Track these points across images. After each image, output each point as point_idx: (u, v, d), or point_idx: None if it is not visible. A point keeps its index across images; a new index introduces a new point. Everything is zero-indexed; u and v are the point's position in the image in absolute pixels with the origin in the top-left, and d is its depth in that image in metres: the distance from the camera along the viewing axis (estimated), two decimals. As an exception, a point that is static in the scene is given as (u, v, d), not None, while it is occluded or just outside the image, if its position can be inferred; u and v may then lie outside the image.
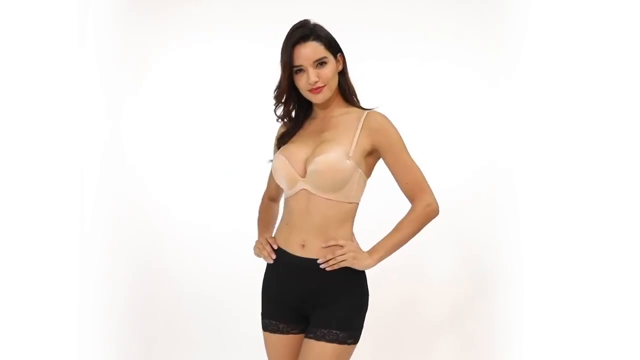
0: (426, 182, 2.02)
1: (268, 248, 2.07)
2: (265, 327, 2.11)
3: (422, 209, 2.00)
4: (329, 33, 2.02)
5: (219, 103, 3.30)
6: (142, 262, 3.27)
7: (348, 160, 1.94)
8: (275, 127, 2.21)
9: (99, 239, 2.93)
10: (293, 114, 2.12)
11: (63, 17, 2.53)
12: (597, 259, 2.41)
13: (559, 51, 2.68)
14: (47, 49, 2.41)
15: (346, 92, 2.08)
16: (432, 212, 2.01)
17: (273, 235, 2.14)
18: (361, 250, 2.02)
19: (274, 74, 2.06)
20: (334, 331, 1.95)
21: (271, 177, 2.25)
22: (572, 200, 2.57)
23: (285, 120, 2.13)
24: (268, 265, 2.12)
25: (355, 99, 2.10)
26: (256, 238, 2.19)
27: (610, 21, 2.37)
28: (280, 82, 2.04)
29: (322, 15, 2.07)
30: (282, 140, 2.11)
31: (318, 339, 1.96)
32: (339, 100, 2.08)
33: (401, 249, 2.04)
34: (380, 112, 2.05)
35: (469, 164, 3.27)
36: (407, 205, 2.06)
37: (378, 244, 2.02)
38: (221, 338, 3.30)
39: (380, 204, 2.57)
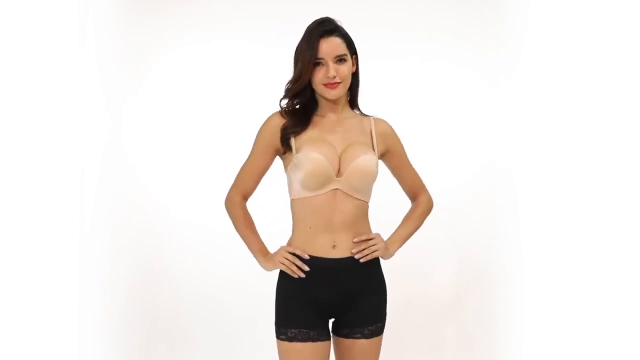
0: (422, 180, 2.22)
1: (298, 262, 1.96)
2: (294, 338, 1.96)
3: (426, 204, 2.19)
4: (348, 33, 2.01)
5: (219, 103, 3.30)
6: (142, 262, 3.27)
7: (377, 163, 2.02)
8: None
9: (99, 239, 2.93)
10: (297, 106, 2.04)
11: (63, 17, 2.53)
12: (597, 259, 2.41)
13: (559, 51, 2.68)
14: (47, 49, 2.41)
15: (354, 96, 2.08)
16: (432, 206, 2.21)
17: (288, 244, 2.03)
18: None
19: (274, 73, 2.05)
20: (378, 324, 2.03)
21: (248, 171, 2.08)
22: (571, 200, 2.57)
23: (288, 110, 2.02)
24: (286, 273, 2.00)
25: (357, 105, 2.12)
26: (244, 246, 2.09)
27: (610, 21, 2.37)
28: (300, 75, 1.96)
29: (322, 15, 2.07)
30: (288, 132, 1.99)
31: (367, 337, 2.00)
32: (346, 102, 2.07)
33: (402, 249, 2.13)
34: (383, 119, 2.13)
35: (469, 164, 3.28)
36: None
37: (394, 236, 2.13)
38: (221, 338, 3.30)
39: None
